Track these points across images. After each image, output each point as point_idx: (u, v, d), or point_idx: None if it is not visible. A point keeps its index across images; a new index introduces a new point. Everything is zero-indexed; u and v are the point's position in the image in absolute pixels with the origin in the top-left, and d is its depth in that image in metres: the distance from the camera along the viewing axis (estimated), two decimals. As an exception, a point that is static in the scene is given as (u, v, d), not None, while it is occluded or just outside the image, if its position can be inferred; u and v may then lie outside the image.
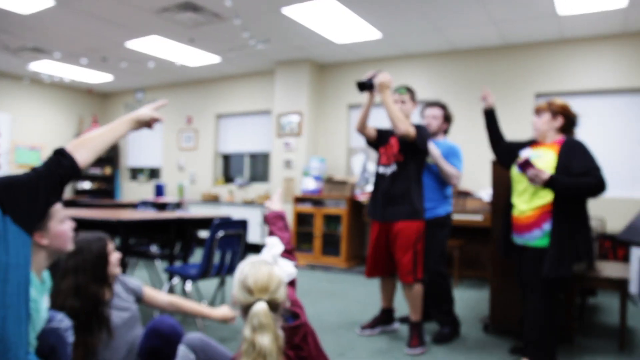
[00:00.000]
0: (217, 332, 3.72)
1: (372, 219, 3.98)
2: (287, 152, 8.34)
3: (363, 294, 5.51)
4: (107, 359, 2.46)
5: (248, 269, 1.67)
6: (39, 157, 10.22)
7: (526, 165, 2.97)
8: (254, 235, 8.19)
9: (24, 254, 1.67)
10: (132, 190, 11.03)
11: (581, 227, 3.09)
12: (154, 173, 10.97)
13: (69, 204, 7.30)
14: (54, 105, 10.69)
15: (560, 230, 2.98)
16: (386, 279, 4.04)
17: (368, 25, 6.45)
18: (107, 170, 11.06)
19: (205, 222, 4.66)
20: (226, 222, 3.87)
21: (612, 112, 6.45)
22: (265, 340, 1.54)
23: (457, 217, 6.10)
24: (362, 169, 7.60)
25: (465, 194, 6.45)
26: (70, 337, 2.07)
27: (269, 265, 1.70)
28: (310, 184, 7.72)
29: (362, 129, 3.90)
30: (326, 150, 8.40)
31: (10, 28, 6.92)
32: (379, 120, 4.68)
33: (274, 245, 1.86)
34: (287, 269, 1.83)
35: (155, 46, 7.59)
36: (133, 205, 6.95)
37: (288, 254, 2.07)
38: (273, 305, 1.61)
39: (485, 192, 6.34)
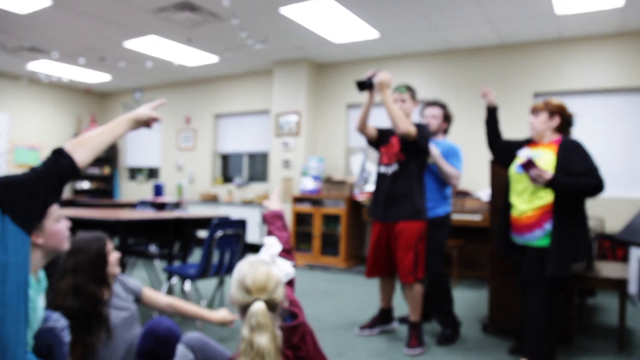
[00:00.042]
0: (215, 332, 3.71)
1: (373, 219, 3.95)
2: (285, 152, 8.34)
3: (362, 294, 5.51)
4: (106, 359, 2.46)
5: (246, 268, 1.67)
6: (38, 157, 10.21)
7: (529, 166, 2.98)
8: (252, 235, 8.18)
9: (23, 254, 1.67)
10: (131, 190, 11.02)
11: (581, 226, 3.12)
12: (152, 173, 10.96)
13: (67, 203, 7.30)
14: (52, 105, 10.68)
15: (562, 229, 3.00)
16: (385, 279, 4.04)
17: (366, 25, 6.45)
18: (106, 170, 11.05)
19: (204, 222, 4.66)
20: (225, 222, 3.87)
21: (610, 112, 6.45)
22: (263, 340, 1.54)
23: (456, 217, 6.10)
24: (360, 168, 7.60)
25: (464, 194, 6.45)
26: (66, 337, 2.06)
27: (267, 265, 1.69)
28: (309, 184, 7.72)
29: (362, 128, 3.87)
30: (325, 150, 8.40)
31: (8, 28, 6.91)
32: (379, 120, 4.66)
33: (272, 245, 1.85)
34: (285, 269, 1.83)
35: (153, 46, 7.58)
36: (132, 205, 6.95)
37: (286, 253, 2.07)
38: (271, 305, 1.61)
39: (484, 192, 6.34)
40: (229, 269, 3.90)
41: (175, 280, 4.24)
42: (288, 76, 8.35)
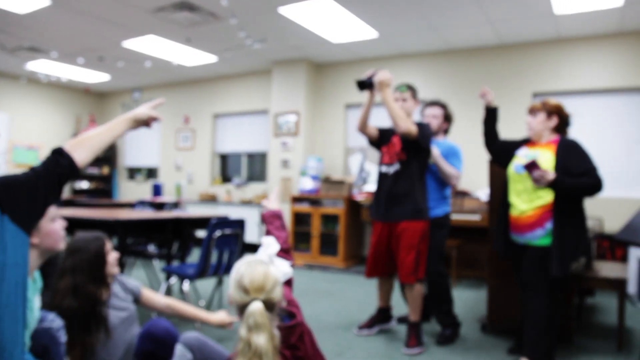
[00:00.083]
0: (214, 332, 3.71)
1: (374, 219, 3.92)
2: (284, 152, 8.33)
3: (361, 293, 5.51)
4: (105, 359, 2.45)
5: (244, 268, 1.66)
6: (37, 156, 10.20)
7: (533, 167, 2.99)
8: (251, 234, 8.18)
9: (22, 254, 1.66)
10: (130, 190, 11.02)
11: (580, 225, 3.16)
12: (151, 173, 10.96)
13: (66, 203, 7.30)
14: (51, 104, 10.67)
15: (563, 229, 3.03)
16: (384, 279, 4.03)
17: (364, 24, 6.45)
18: (105, 170, 11.05)
19: (202, 222, 4.66)
20: (223, 222, 3.87)
21: (609, 112, 6.45)
22: (261, 340, 1.53)
23: (454, 217, 6.09)
24: (359, 168, 7.59)
25: (463, 194, 6.45)
26: (62, 337, 2.06)
27: (265, 264, 1.69)
28: (307, 184, 7.71)
29: (363, 128, 3.85)
30: (323, 150, 8.40)
31: (7, 28, 6.90)
32: (380, 120, 4.66)
33: (270, 245, 1.85)
34: (283, 269, 1.82)
35: (152, 46, 7.57)
36: (131, 205, 6.94)
37: (285, 253, 2.06)
38: (269, 305, 1.61)
39: (482, 192, 6.34)
40: (228, 269, 3.89)
41: (173, 280, 4.24)
42: (287, 76, 8.35)
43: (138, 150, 11.07)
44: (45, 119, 10.55)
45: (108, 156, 11.00)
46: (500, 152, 3.52)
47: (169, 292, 4.30)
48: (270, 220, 2.23)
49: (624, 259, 5.72)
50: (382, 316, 4.07)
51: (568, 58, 6.63)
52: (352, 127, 8.17)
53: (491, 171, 3.94)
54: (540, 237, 3.11)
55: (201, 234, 5.49)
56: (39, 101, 10.45)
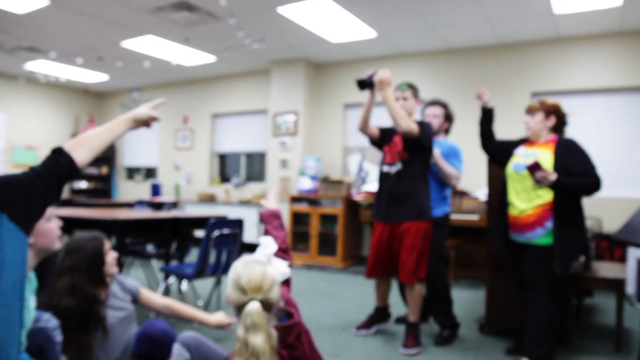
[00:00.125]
0: (212, 331, 3.70)
1: (375, 219, 3.88)
2: (283, 152, 8.33)
3: (359, 293, 5.50)
4: (103, 358, 2.45)
5: (241, 268, 1.66)
6: (35, 156, 10.19)
7: (536, 168, 2.99)
8: (250, 234, 8.17)
9: (20, 253, 1.66)
10: (129, 190, 11.01)
11: (580, 224, 3.19)
12: (150, 173, 10.95)
13: (65, 203, 7.29)
14: (50, 104, 10.66)
15: (563, 228, 3.06)
16: (382, 279, 4.01)
17: (363, 24, 6.45)
18: (104, 170, 11.04)
19: (201, 222, 4.66)
20: (222, 222, 3.87)
21: (608, 111, 6.45)
22: (258, 340, 1.53)
23: (453, 216, 6.08)
24: (358, 168, 7.59)
25: (462, 194, 6.44)
26: (58, 337, 2.06)
27: (263, 264, 1.69)
28: (306, 184, 7.71)
29: (364, 128, 3.82)
30: (322, 150, 8.39)
31: (6, 27, 6.89)
32: (381, 120, 4.65)
33: (268, 245, 1.85)
34: (280, 269, 1.82)
35: (151, 46, 7.57)
36: (129, 205, 6.94)
37: (283, 253, 2.06)
38: (266, 305, 1.61)
39: (481, 192, 6.34)
40: (226, 268, 3.89)
41: (172, 279, 4.23)
42: (285, 76, 8.34)
43: (137, 150, 11.07)
44: (44, 119, 10.54)
45: (107, 156, 10.99)
46: (497, 152, 3.53)
47: (167, 292, 4.30)
48: (269, 220, 2.23)
49: (622, 259, 5.72)
50: (380, 315, 4.05)
51: (567, 57, 6.63)
52: (351, 127, 8.17)
53: (490, 171, 3.93)
54: (540, 236, 3.12)
55: (200, 233, 5.49)
56: (38, 101, 10.44)
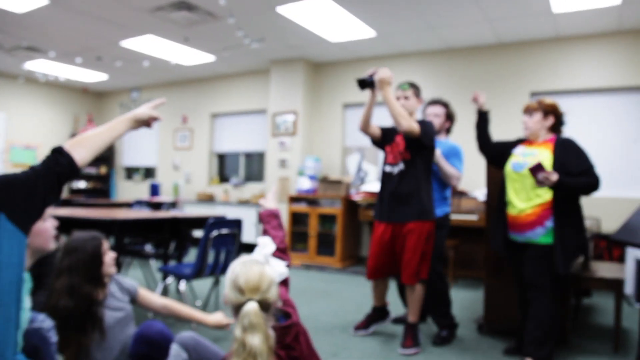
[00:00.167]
0: (210, 332, 3.70)
1: (377, 219, 3.84)
2: (282, 152, 8.33)
3: (358, 294, 5.50)
4: (100, 359, 2.45)
5: (239, 268, 1.66)
6: (34, 156, 10.18)
7: (538, 169, 2.99)
8: (248, 234, 8.17)
9: (19, 253, 1.65)
10: (128, 190, 11.01)
11: (579, 223, 3.20)
12: (149, 172, 10.94)
13: (64, 203, 7.29)
14: (49, 104, 10.65)
15: (563, 227, 3.07)
16: (380, 279, 4.00)
17: (362, 24, 6.44)
18: (103, 170, 11.04)
19: (200, 222, 4.65)
20: (221, 222, 3.86)
21: (607, 111, 6.45)
22: (255, 340, 1.53)
23: (452, 216, 6.06)
24: (357, 168, 7.60)
25: (461, 194, 6.44)
26: (53, 337, 2.05)
27: (261, 265, 1.69)
28: (305, 184, 7.71)
29: (365, 128, 3.79)
30: (321, 150, 8.39)
31: (5, 27, 6.88)
32: (382, 119, 4.64)
33: (266, 245, 1.85)
34: (278, 269, 1.82)
35: (150, 45, 7.57)
36: (128, 205, 6.93)
37: (281, 252, 2.06)
38: (264, 305, 1.60)
39: (480, 192, 6.34)
40: (225, 268, 3.88)
41: (170, 280, 4.23)
42: (285, 75, 8.34)
43: (136, 150, 11.06)
44: (43, 118, 10.53)
45: (106, 156, 10.98)
46: (495, 153, 3.55)
47: (165, 292, 4.29)
48: (268, 220, 2.23)
49: (621, 259, 5.72)
50: (378, 315, 4.04)
51: (566, 57, 6.63)
52: (350, 127, 8.17)
53: (489, 171, 3.93)
54: (541, 235, 3.13)
55: (198, 233, 5.49)
56: (37, 101, 10.43)
